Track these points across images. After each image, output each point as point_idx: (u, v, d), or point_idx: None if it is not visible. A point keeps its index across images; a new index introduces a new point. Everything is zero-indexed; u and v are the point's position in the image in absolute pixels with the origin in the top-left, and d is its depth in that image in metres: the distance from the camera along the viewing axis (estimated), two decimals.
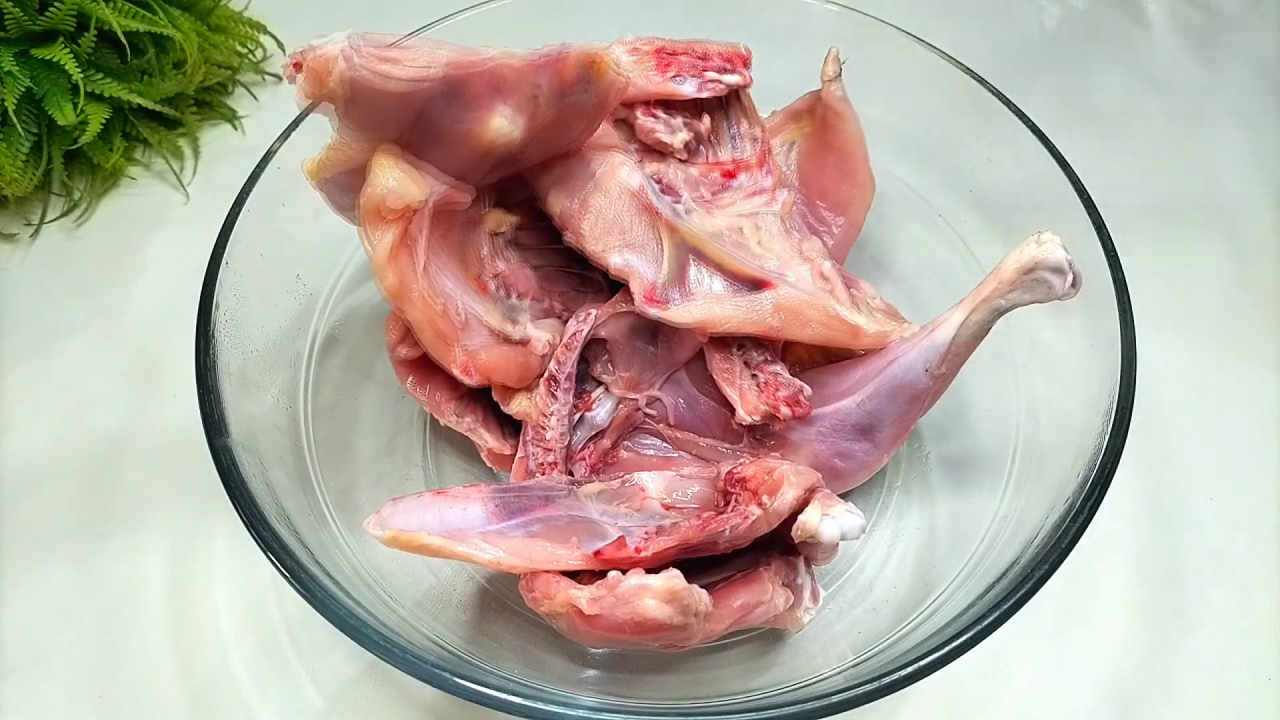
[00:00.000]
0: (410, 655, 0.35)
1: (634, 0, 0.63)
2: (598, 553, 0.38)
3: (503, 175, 0.47)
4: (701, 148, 0.52)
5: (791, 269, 0.48)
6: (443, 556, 0.38)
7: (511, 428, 0.51)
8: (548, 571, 0.38)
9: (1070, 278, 0.42)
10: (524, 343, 0.48)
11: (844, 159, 0.53)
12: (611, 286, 0.50)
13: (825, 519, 0.39)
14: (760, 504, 0.39)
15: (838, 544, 0.40)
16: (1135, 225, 0.68)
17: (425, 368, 0.49)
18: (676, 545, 0.39)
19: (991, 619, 0.36)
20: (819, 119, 0.54)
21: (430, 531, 0.38)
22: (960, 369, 0.47)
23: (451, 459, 0.54)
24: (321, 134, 0.51)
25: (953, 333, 0.45)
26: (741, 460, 0.45)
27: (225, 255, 0.46)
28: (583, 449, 0.50)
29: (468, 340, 0.46)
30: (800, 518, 0.39)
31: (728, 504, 0.41)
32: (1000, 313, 0.44)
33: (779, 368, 0.48)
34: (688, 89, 0.50)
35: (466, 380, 0.46)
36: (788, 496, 0.39)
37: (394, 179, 0.41)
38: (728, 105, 0.53)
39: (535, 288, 0.50)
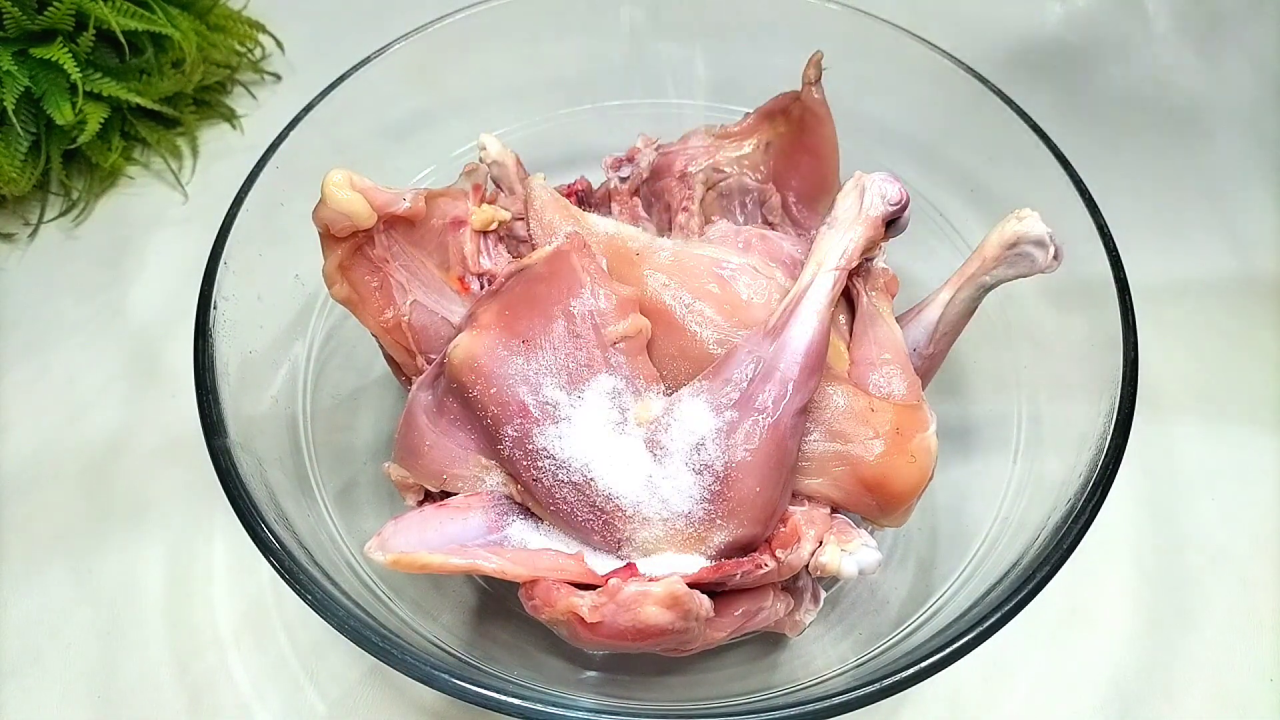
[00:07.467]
0: (409, 657, 0.35)
1: (634, 1, 0.63)
2: (607, 578, 0.38)
3: None
4: None
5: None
6: (447, 573, 0.38)
7: None
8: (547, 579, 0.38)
9: (1052, 250, 0.43)
10: None
11: (819, 162, 0.53)
12: None
13: (845, 557, 0.39)
14: (775, 556, 0.39)
15: None
16: (1135, 225, 0.68)
17: None
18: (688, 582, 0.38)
19: (993, 620, 0.36)
20: (795, 120, 0.53)
21: (432, 548, 0.38)
22: (950, 348, 0.47)
23: None
24: (321, 134, 0.52)
25: (940, 311, 0.46)
26: None
27: (224, 255, 0.45)
28: None
29: (435, 351, 0.45)
30: (820, 559, 0.39)
31: None
32: (986, 289, 0.45)
33: None
34: None
35: None
36: (804, 551, 0.39)
37: (342, 201, 0.41)
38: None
39: None
